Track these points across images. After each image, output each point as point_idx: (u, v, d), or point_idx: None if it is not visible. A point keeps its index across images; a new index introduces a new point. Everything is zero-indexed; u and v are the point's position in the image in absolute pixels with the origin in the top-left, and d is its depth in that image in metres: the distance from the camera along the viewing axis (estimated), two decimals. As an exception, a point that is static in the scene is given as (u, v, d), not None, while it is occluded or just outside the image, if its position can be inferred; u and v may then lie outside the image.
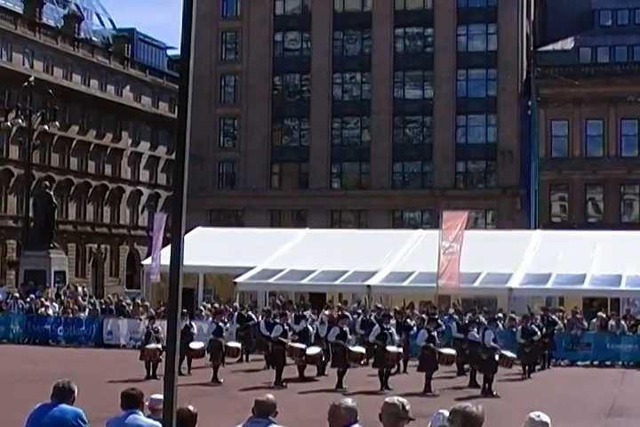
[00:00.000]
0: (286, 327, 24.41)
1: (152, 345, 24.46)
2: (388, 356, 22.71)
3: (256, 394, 8.00)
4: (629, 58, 60.05)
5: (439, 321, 25.66)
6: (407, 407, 6.29)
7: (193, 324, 26.77)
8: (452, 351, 23.78)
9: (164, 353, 23.15)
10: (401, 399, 6.37)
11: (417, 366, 23.13)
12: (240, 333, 28.44)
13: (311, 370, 24.79)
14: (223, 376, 23.54)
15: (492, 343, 22.90)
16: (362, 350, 23.70)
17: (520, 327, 26.37)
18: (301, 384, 23.09)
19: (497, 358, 22.66)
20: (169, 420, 5.13)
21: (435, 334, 23.42)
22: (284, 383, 22.79)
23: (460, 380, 24.41)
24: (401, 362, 25.39)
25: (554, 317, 29.45)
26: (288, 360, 23.88)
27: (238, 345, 25.30)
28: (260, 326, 27.38)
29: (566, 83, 55.32)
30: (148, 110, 72.97)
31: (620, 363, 29.52)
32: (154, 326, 25.14)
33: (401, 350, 23.01)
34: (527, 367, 26.01)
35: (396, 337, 23.84)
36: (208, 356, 24.41)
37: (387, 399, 6.40)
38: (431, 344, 22.93)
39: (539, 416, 6.39)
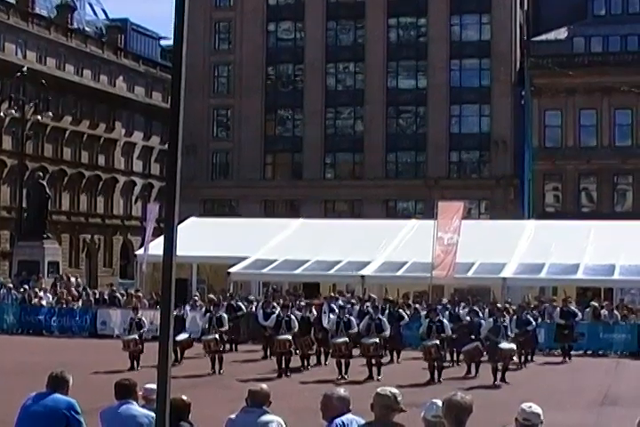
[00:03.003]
0: (285, 318, 23.91)
1: (130, 336, 24.42)
2: (363, 346, 22.70)
3: (250, 384, 8.01)
4: (623, 48, 59.94)
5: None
6: (399, 399, 6.29)
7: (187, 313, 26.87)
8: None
9: (139, 344, 23.50)
10: (393, 391, 6.36)
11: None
12: (229, 323, 28.36)
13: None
14: (217, 366, 23.53)
15: (488, 333, 22.81)
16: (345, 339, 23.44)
17: (515, 317, 26.32)
18: (297, 374, 23.12)
19: (499, 348, 22.41)
20: (162, 410, 5.13)
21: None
22: (289, 373, 22.80)
23: (456, 370, 24.40)
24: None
25: (573, 308, 29.33)
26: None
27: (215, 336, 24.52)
28: (257, 317, 27.38)
29: (560, 73, 55.26)
30: (141, 100, 72.80)
31: (614, 352, 29.58)
32: (137, 315, 25.14)
33: (377, 339, 22.65)
34: (522, 357, 26.02)
35: (388, 328, 23.41)
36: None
37: (379, 390, 6.39)
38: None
39: (530, 407, 6.40)
